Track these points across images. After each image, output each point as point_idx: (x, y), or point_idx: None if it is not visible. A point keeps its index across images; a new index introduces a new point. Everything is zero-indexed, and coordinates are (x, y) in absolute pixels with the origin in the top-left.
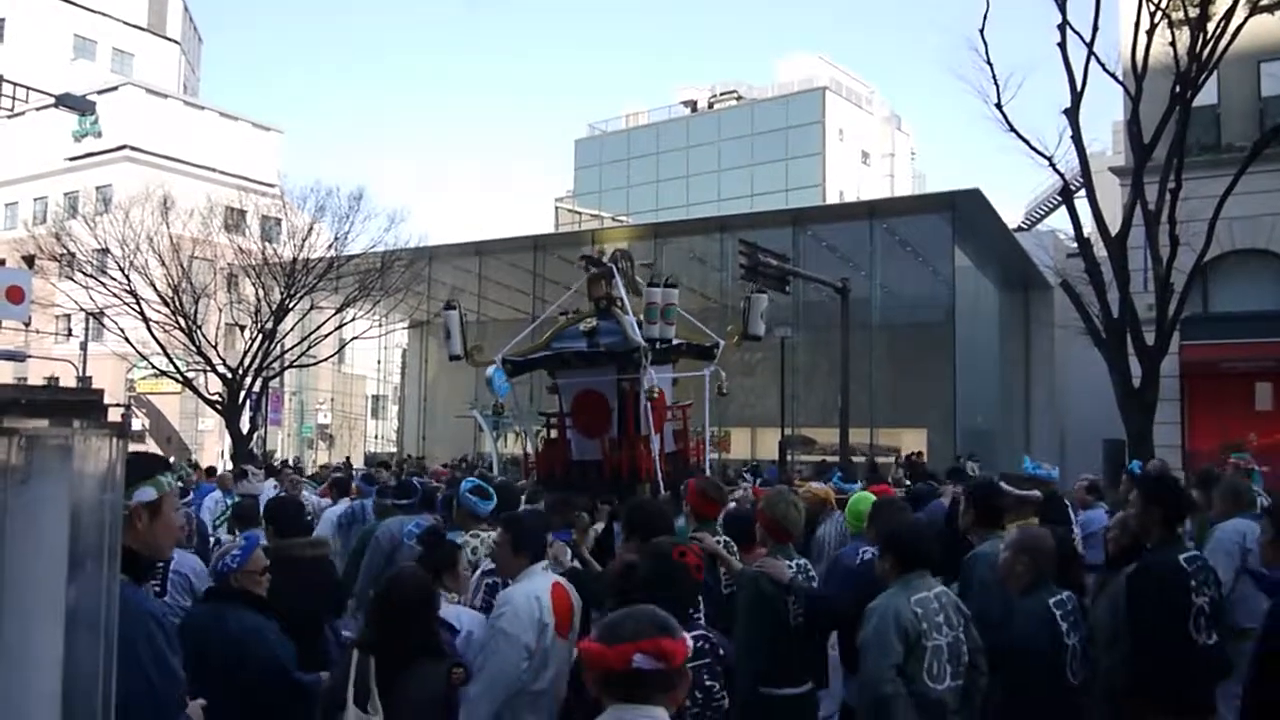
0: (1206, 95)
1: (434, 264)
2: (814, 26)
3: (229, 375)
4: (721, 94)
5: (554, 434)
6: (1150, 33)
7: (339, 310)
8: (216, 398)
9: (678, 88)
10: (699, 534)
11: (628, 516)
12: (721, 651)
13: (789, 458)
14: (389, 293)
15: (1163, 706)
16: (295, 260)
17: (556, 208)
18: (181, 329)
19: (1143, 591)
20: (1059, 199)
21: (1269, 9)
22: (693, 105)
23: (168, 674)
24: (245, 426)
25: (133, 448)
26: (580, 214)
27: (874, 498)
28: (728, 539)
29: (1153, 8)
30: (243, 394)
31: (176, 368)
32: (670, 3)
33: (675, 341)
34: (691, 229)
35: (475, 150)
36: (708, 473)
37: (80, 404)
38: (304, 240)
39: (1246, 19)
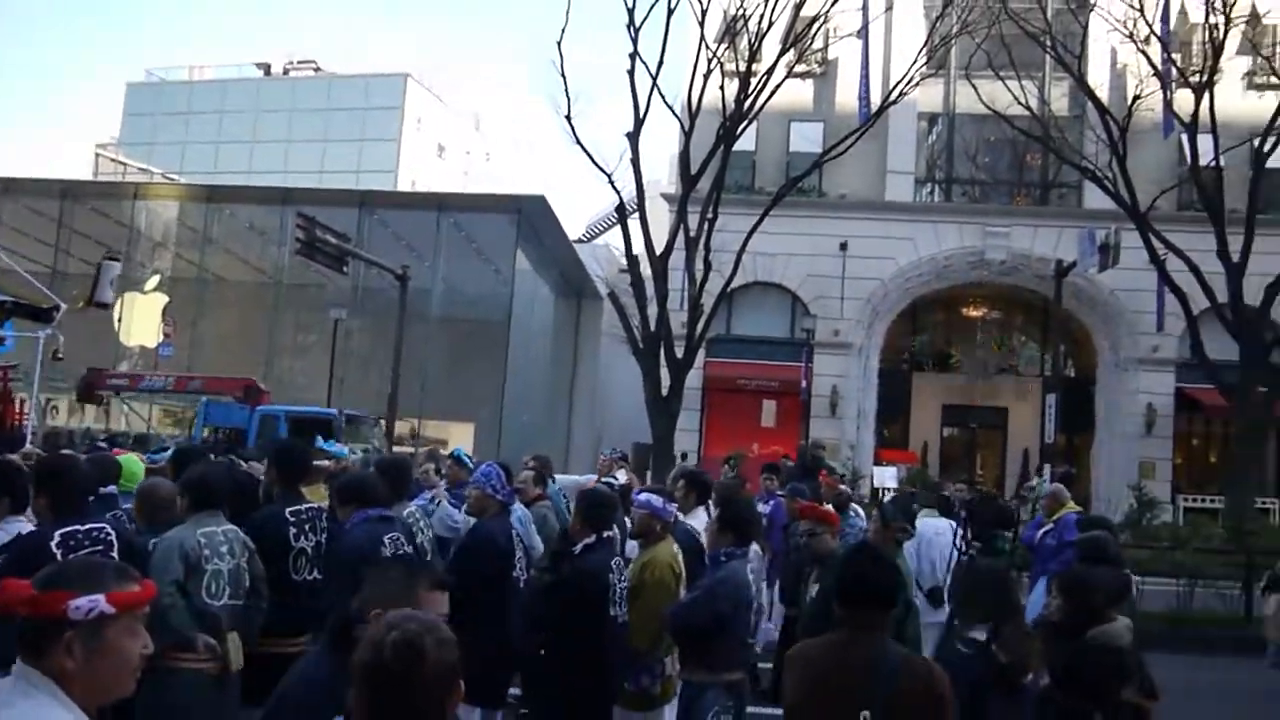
0: (747, 142)
1: None
2: (405, 14)
3: None
4: (299, 62)
5: None
6: (706, 77)
7: None
8: None
9: (252, 47)
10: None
11: None
12: None
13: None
14: None
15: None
16: None
17: (97, 154)
18: None
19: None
20: (616, 217)
21: (801, 76)
22: (266, 68)
23: None
24: None
25: None
26: (125, 165)
27: (141, 466)
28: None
29: (710, 54)
30: None
31: None
32: None
33: (3, 299)
34: (250, 196)
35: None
36: (28, 439)
37: None
38: None
39: (783, 80)
